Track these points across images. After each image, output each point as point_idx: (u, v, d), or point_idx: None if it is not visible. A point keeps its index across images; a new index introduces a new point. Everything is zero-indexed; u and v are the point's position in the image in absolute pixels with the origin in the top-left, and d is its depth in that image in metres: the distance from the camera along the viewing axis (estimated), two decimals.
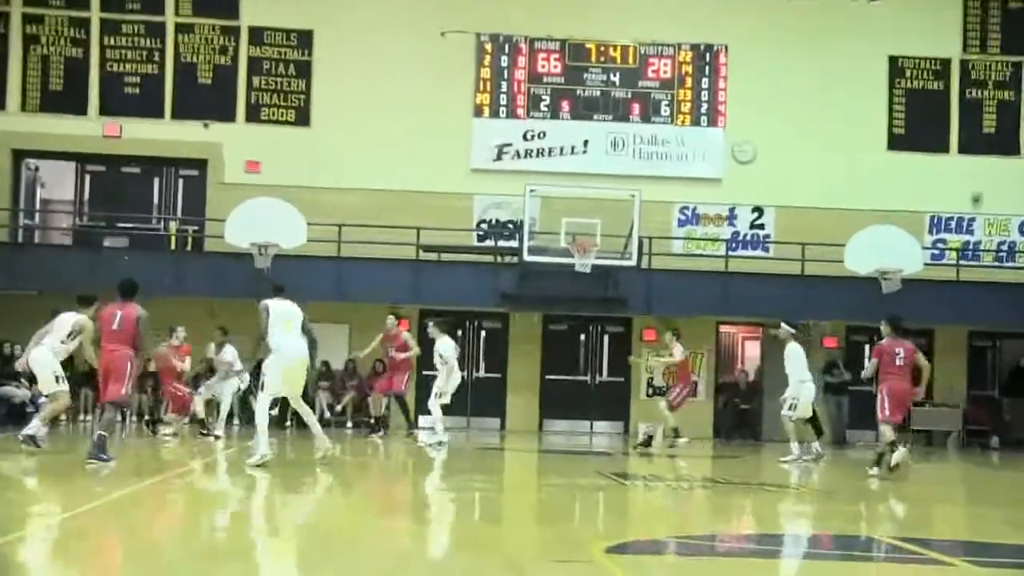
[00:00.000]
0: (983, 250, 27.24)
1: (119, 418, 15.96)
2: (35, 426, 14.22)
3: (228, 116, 26.69)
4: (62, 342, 14.71)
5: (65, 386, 14.74)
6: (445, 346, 19.61)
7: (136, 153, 26.65)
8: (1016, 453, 24.85)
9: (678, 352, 19.30)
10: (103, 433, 13.34)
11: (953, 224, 27.51)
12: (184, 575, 6.99)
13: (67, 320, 14.71)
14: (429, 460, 17.98)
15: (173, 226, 27.00)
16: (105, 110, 26.42)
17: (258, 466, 12.99)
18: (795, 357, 17.49)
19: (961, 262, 26.56)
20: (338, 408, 25.65)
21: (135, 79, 26.48)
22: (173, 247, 26.47)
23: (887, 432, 15.00)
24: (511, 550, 9.13)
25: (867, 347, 26.09)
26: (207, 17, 26.62)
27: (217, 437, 18.94)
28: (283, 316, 13.32)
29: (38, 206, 27.76)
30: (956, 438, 26.16)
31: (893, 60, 27.45)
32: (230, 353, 19.93)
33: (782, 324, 18.09)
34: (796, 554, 9.76)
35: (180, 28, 26.38)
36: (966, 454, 24.65)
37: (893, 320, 15.26)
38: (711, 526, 11.17)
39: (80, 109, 26.25)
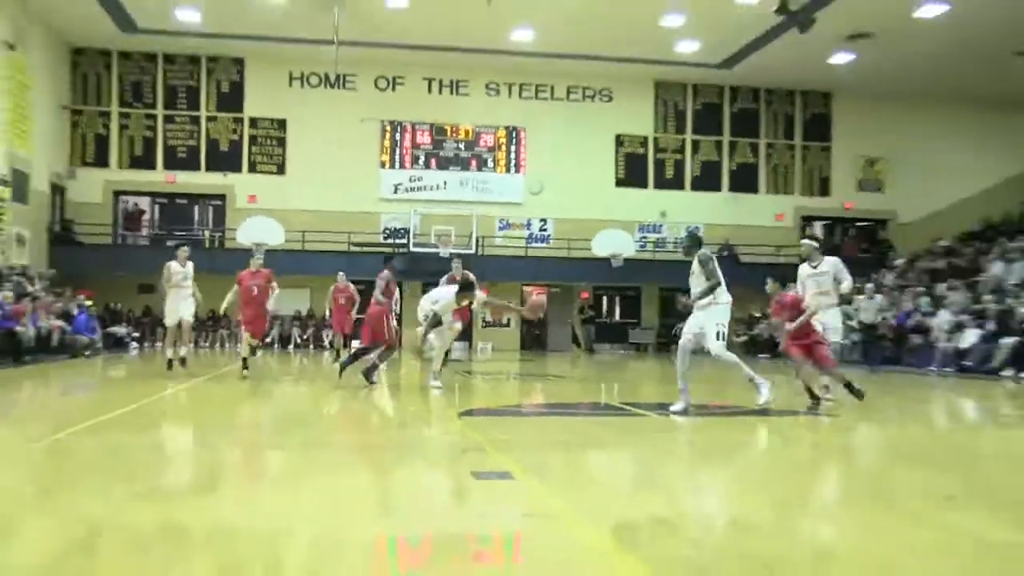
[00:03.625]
0: (667, 242, 32.87)
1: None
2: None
3: (237, 169, 31.56)
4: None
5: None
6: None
7: (185, 192, 31.62)
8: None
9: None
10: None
11: (650, 228, 33.37)
12: None
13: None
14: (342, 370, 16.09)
15: (207, 233, 31.52)
16: (166, 166, 31.26)
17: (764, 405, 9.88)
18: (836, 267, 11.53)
19: (656, 250, 32.78)
20: (305, 337, 29.97)
21: (184, 148, 31.39)
22: (207, 246, 30.63)
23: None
24: (399, 416, 9.99)
25: (604, 298, 32.45)
26: (225, 112, 31.61)
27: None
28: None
29: (128, 224, 31.64)
30: (653, 346, 32.78)
31: (618, 136, 33.60)
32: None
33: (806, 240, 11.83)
34: (569, 412, 10.50)
35: (209, 119, 31.53)
36: (658, 356, 29.32)
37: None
38: (520, 399, 12.33)
39: (151, 166, 31.15)
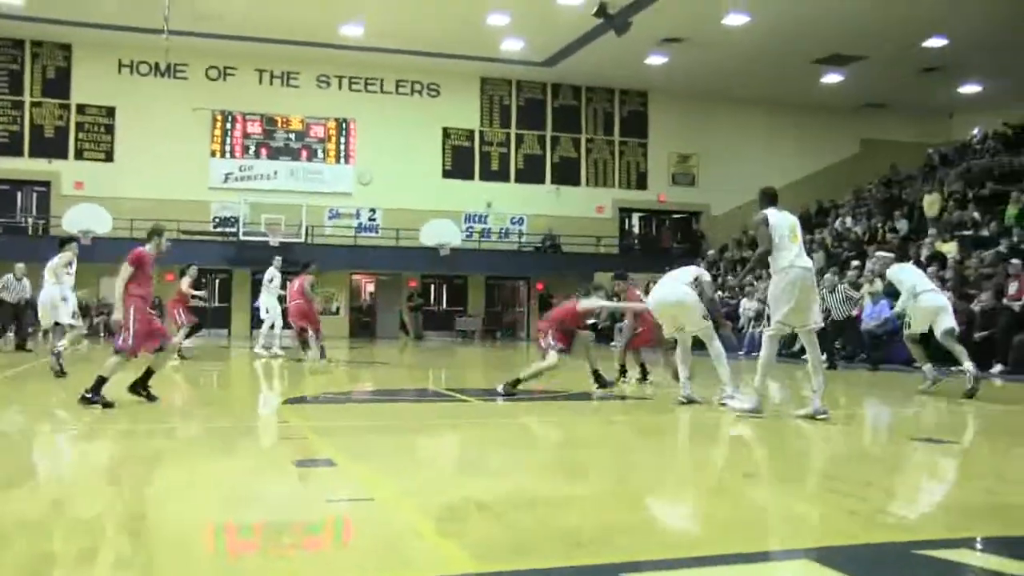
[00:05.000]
0: (493, 232, 33.81)
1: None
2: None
3: (64, 155, 30.72)
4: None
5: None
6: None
7: (7, 177, 30.52)
8: (512, 341, 31.08)
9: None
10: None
11: (476, 218, 33.85)
12: None
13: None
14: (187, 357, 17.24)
15: (31, 221, 30.85)
16: None
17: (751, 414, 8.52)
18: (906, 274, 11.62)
19: (481, 239, 33.33)
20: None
21: (5, 133, 30.54)
22: (31, 233, 30.15)
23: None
24: (223, 404, 10.27)
25: (432, 287, 32.70)
26: (51, 98, 30.79)
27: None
28: (786, 227, 8.55)
29: None
30: (479, 333, 33.18)
31: (445, 129, 34.04)
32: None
33: (878, 253, 11.53)
34: (395, 398, 10.54)
35: (33, 104, 30.68)
36: (485, 343, 29.71)
37: None
38: (346, 386, 12.25)
39: None
